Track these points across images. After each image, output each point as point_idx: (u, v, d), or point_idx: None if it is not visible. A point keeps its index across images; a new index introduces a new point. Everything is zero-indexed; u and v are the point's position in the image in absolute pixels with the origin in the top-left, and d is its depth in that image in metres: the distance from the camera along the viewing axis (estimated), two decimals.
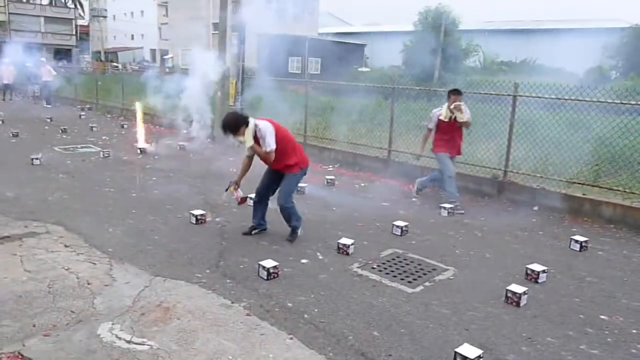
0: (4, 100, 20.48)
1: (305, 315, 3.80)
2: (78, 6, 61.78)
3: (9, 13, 51.51)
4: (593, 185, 7.03)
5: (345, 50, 35.28)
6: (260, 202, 5.52)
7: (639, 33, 30.43)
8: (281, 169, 5.30)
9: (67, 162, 9.15)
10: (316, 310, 3.90)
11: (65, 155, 9.76)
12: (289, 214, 5.39)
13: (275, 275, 4.42)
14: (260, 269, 4.43)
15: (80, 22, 60.30)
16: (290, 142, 5.27)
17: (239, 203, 5.48)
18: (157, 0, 53.14)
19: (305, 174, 5.51)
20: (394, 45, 34.08)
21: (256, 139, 5.05)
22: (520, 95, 7.31)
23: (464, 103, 6.94)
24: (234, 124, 4.98)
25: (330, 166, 9.58)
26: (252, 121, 5.04)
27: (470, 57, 32.25)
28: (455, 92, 6.89)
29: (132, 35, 56.80)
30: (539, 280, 4.61)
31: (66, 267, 4.48)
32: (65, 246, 5.02)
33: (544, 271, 4.65)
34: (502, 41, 37.10)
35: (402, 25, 35.38)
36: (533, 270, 4.66)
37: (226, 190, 5.40)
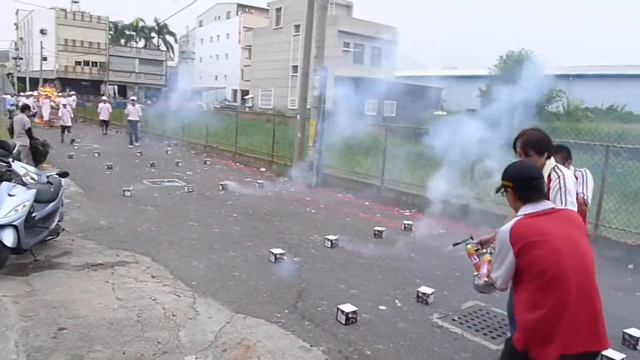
0: (101, 135, 22.13)
1: None
2: (169, 49, 66.57)
3: (110, 55, 56.35)
4: None
5: (421, 93, 35.25)
6: None
7: None
8: None
9: (154, 194, 9.67)
10: None
11: (153, 189, 10.32)
12: None
13: (354, 321, 4.37)
14: (339, 313, 4.40)
15: (170, 63, 64.81)
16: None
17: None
18: (241, 44, 56.04)
19: None
20: (471, 90, 33.68)
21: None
22: (615, 146, 6.94)
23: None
24: (546, 140, 3.32)
25: (407, 211, 9.47)
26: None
27: (553, 102, 31.17)
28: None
29: (216, 76, 60.01)
30: (638, 347, 4.24)
31: (153, 298, 4.67)
32: (152, 276, 5.25)
33: None
34: (587, 86, 35.66)
35: (480, 70, 35.02)
36: (631, 336, 4.31)
37: (456, 244, 3.79)
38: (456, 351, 4.01)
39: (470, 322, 4.60)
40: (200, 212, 8.37)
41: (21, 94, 30.99)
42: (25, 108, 11.53)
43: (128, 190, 9.35)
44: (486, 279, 2.84)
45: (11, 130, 10.67)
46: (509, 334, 3.67)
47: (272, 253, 5.99)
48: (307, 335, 4.11)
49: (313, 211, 9.11)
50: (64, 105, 20.09)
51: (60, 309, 4.30)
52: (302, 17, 13.98)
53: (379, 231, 7.49)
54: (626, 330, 4.38)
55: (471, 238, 3.60)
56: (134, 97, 22.75)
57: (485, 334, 4.35)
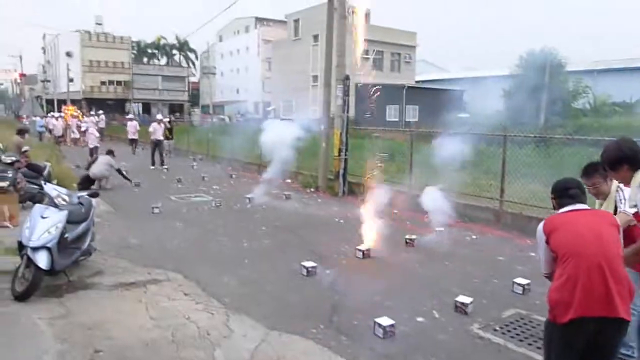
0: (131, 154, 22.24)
1: None
2: (191, 65, 67.51)
3: (133, 73, 57.43)
4: None
5: (443, 97, 34.98)
6: None
7: None
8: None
9: (182, 210, 9.70)
10: None
11: (181, 204, 10.36)
12: None
13: (392, 334, 4.25)
14: (376, 326, 4.28)
15: (191, 79, 65.68)
16: None
17: None
18: (261, 57, 56.49)
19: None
20: (493, 90, 33.20)
21: None
22: None
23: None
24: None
25: None
26: None
27: (579, 99, 30.52)
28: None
29: (237, 89, 60.49)
30: None
31: (186, 316, 4.62)
32: (185, 294, 5.21)
33: None
34: (613, 81, 34.79)
35: (501, 70, 34.55)
36: None
37: None
38: None
39: (513, 332, 4.43)
40: (228, 227, 8.35)
41: (51, 114, 31.56)
42: (109, 152, 12.69)
43: (156, 207, 9.39)
44: None
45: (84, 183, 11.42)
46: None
47: (304, 266, 5.91)
48: (345, 350, 4.00)
49: (341, 221, 9.00)
50: (86, 129, 20.31)
51: (95, 330, 4.28)
52: (320, 27, 13.98)
53: (410, 239, 7.34)
54: None
55: None
56: (160, 116, 21.49)
57: (530, 344, 4.17)
